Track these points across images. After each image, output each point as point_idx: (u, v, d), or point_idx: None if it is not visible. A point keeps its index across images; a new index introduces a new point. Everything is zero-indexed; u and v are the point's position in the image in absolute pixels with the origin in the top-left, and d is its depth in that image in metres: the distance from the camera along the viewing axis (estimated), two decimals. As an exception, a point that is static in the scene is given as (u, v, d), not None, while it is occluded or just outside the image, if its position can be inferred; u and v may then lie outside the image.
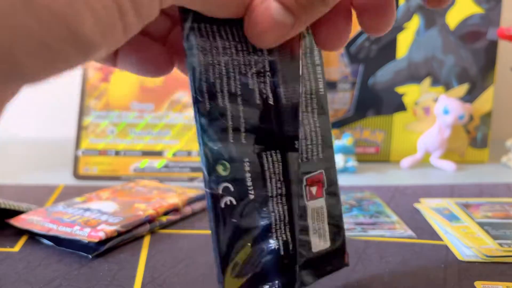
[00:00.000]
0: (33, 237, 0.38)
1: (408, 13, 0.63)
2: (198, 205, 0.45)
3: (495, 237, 0.38)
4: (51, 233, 0.36)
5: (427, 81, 0.64)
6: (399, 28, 0.63)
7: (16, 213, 0.40)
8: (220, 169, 0.23)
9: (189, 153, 0.59)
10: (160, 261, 0.35)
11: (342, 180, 0.56)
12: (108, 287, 0.31)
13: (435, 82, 0.64)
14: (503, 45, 0.69)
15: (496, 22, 0.63)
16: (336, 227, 0.28)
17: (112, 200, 0.43)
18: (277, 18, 0.21)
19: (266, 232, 0.24)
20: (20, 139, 0.79)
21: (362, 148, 0.66)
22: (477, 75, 0.64)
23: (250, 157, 0.24)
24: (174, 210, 0.42)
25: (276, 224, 0.25)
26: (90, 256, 0.35)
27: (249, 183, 0.24)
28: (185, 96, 0.60)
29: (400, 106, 0.65)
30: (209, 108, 0.23)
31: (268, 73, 0.24)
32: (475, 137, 0.66)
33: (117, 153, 0.59)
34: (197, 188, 0.49)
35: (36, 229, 0.37)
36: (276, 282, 0.25)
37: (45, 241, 0.37)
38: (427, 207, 0.45)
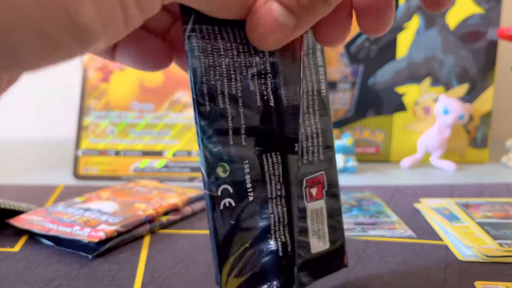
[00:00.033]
0: (33, 237, 0.38)
1: (408, 13, 0.63)
2: (198, 205, 0.45)
3: (495, 237, 0.38)
4: (51, 233, 0.36)
5: (427, 81, 0.64)
6: (399, 28, 0.63)
7: (16, 213, 0.40)
8: (219, 171, 0.23)
9: (189, 153, 0.59)
10: (160, 261, 0.35)
11: (342, 180, 0.56)
12: (108, 287, 0.31)
13: (435, 82, 0.64)
14: (503, 45, 0.69)
15: (496, 22, 0.63)
16: (335, 228, 0.28)
17: (112, 200, 0.43)
18: (279, 20, 0.21)
19: (265, 233, 0.24)
20: (20, 139, 0.79)
21: (362, 148, 0.66)
22: (477, 75, 0.64)
23: (250, 159, 0.24)
24: (174, 210, 0.42)
25: (275, 226, 0.25)
26: (90, 256, 0.35)
27: (249, 185, 0.24)
28: (185, 96, 0.60)
29: (400, 106, 0.65)
30: (210, 110, 0.23)
31: (269, 74, 0.24)
32: (475, 137, 0.66)
33: (117, 153, 0.59)
34: (197, 188, 0.49)
35: (36, 229, 0.37)
36: (274, 282, 0.25)
37: (45, 241, 0.37)
38: (427, 207, 0.45)
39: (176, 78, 0.61)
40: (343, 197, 0.48)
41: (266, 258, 0.25)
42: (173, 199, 0.43)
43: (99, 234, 0.35)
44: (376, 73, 0.64)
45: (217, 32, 0.23)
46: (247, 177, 0.24)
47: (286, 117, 0.25)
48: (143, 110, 0.60)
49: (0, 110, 0.82)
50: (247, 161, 0.24)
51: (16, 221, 0.39)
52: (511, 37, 0.58)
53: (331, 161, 0.27)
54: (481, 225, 0.40)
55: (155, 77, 0.61)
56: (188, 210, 0.43)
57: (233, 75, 0.23)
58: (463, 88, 0.64)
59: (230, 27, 0.23)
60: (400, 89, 0.65)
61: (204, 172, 0.23)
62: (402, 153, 0.65)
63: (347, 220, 0.42)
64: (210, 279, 0.32)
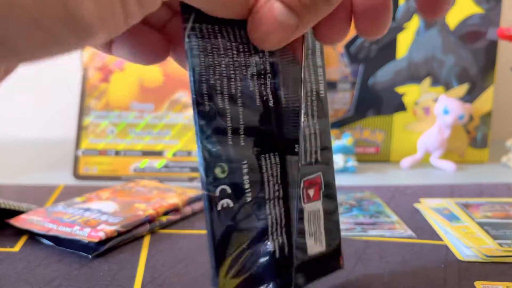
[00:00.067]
0: (33, 237, 0.38)
1: (408, 13, 0.63)
2: (198, 205, 0.45)
3: (495, 237, 0.38)
4: (51, 233, 0.36)
5: (427, 81, 0.64)
6: (399, 28, 0.63)
7: (16, 213, 0.40)
8: (218, 171, 0.23)
9: (189, 153, 0.59)
10: (160, 261, 0.35)
11: (342, 180, 0.56)
12: (108, 287, 0.31)
13: (435, 82, 0.64)
14: (503, 45, 0.69)
15: (496, 22, 0.63)
16: (332, 230, 0.28)
17: (112, 200, 0.43)
18: (280, 19, 0.21)
19: (263, 234, 0.24)
20: (20, 139, 0.79)
21: (362, 148, 0.66)
22: (477, 75, 0.64)
23: (248, 159, 0.24)
24: (174, 210, 0.42)
25: (272, 227, 0.25)
26: (90, 256, 0.35)
27: (247, 185, 0.24)
28: (185, 96, 0.60)
29: (400, 106, 0.65)
30: (209, 110, 0.23)
31: (269, 74, 0.24)
32: (475, 137, 0.66)
33: (117, 153, 0.59)
34: (197, 188, 0.49)
35: (36, 229, 0.37)
36: (271, 284, 0.25)
37: (45, 241, 0.37)
38: (427, 207, 0.45)
39: (176, 78, 0.61)
40: (343, 197, 0.48)
41: (263, 259, 0.24)
42: (173, 199, 0.43)
43: (99, 234, 0.35)
44: (376, 73, 0.64)
45: (217, 31, 0.23)
46: (245, 177, 0.24)
47: (285, 117, 0.25)
48: (143, 110, 0.60)
49: (0, 110, 0.82)
50: (245, 162, 0.24)
51: (16, 221, 0.39)
52: (511, 37, 0.58)
53: (328, 162, 0.27)
54: (481, 225, 0.40)
55: (155, 77, 0.61)
56: (188, 210, 0.43)
57: (232, 75, 0.23)
58: (463, 88, 0.64)
59: (230, 27, 0.23)
60: (400, 89, 0.65)
61: (202, 172, 0.23)
62: (402, 153, 0.65)
63: (347, 220, 0.42)
64: (210, 279, 0.32)
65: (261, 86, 0.24)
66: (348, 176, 0.59)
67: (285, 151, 0.25)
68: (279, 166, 0.25)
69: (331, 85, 0.64)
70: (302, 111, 0.25)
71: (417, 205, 0.46)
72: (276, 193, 0.25)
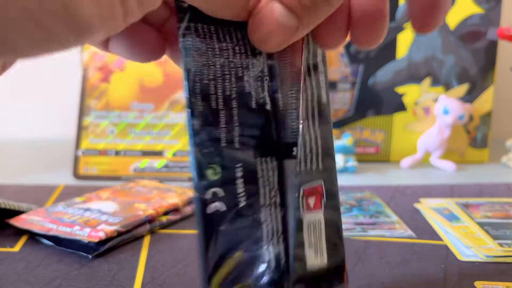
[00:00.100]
0: (33, 237, 0.38)
1: (408, 13, 0.63)
2: (198, 205, 0.44)
3: (495, 237, 0.38)
4: (51, 233, 0.36)
5: (427, 81, 0.64)
6: (399, 28, 0.63)
7: (16, 213, 0.40)
8: (210, 173, 0.22)
9: (189, 153, 0.59)
10: (160, 261, 0.35)
11: (342, 180, 0.56)
12: (108, 287, 0.31)
13: (435, 82, 0.64)
14: (503, 45, 0.69)
15: (496, 22, 0.63)
16: (335, 243, 0.26)
17: (112, 200, 0.43)
18: (281, 21, 0.21)
19: (257, 242, 0.23)
20: (20, 139, 0.79)
21: (362, 148, 0.66)
22: (477, 75, 0.64)
23: (243, 162, 0.23)
24: (174, 210, 0.42)
25: (268, 235, 0.23)
26: (90, 256, 0.35)
27: (241, 189, 0.23)
28: (185, 96, 0.60)
29: (400, 106, 0.65)
30: (202, 110, 0.22)
31: (266, 77, 0.23)
32: (475, 137, 0.66)
33: (117, 153, 0.59)
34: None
35: (36, 229, 0.37)
36: None
37: (45, 241, 0.37)
38: (427, 207, 0.45)
39: (176, 78, 0.61)
40: (343, 197, 0.48)
41: (257, 269, 0.23)
42: (173, 199, 0.43)
43: (99, 234, 0.35)
44: (376, 73, 0.64)
45: (213, 31, 0.22)
46: (239, 181, 0.23)
47: (283, 121, 0.24)
48: (143, 110, 0.60)
49: (0, 110, 0.82)
50: (239, 165, 0.23)
51: (16, 221, 0.39)
52: (511, 37, 0.58)
53: (331, 171, 0.26)
54: (481, 225, 0.40)
55: (155, 77, 0.61)
56: (188, 210, 0.43)
57: (227, 76, 0.23)
58: (463, 88, 0.64)
59: (227, 28, 0.23)
60: (400, 89, 0.65)
61: (193, 173, 0.22)
62: (402, 153, 0.65)
63: (347, 220, 0.42)
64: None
65: (258, 88, 0.23)
66: (348, 176, 0.59)
67: (282, 155, 0.24)
68: (276, 171, 0.24)
69: (331, 85, 0.64)
70: (300, 113, 0.24)
71: (417, 205, 0.46)
72: (273, 200, 0.24)
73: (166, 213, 0.41)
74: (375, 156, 0.66)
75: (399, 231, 0.40)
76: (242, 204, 0.23)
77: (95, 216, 0.39)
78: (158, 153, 0.59)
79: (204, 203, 0.22)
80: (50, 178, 0.56)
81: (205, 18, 0.22)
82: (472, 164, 0.65)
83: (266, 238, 0.23)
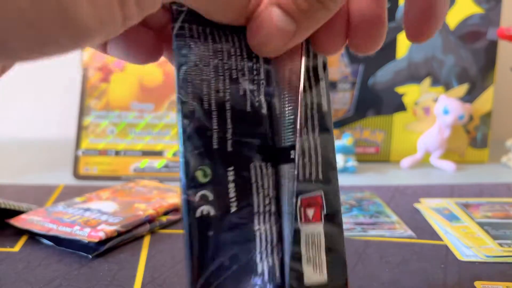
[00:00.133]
0: (33, 237, 0.38)
1: (408, 13, 0.63)
2: (198, 205, 0.44)
3: (495, 237, 0.38)
4: (51, 233, 0.36)
5: (427, 81, 0.64)
6: (399, 28, 0.63)
7: (16, 213, 0.40)
8: (199, 174, 0.21)
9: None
10: (160, 261, 0.35)
11: (342, 180, 0.56)
12: (108, 287, 0.31)
13: (435, 82, 0.64)
14: (503, 45, 0.69)
15: (496, 22, 0.63)
16: (337, 261, 0.24)
17: (112, 200, 0.43)
18: (279, 25, 0.21)
19: (249, 252, 0.22)
20: (20, 139, 0.79)
21: (362, 148, 0.66)
22: (477, 75, 0.64)
23: (235, 166, 0.22)
24: (174, 210, 0.42)
25: (261, 245, 0.22)
26: (90, 256, 0.35)
27: (232, 194, 0.22)
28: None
29: (400, 106, 0.65)
30: (193, 109, 0.21)
31: (262, 81, 0.23)
32: (475, 137, 0.66)
33: (117, 153, 0.59)
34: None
35: (36, 229, 0.37)
36: None
37: (45, 241, 0.37)
38: (427, 207, 0.45)
39: (176, 78, 0.61)
40: (343, 197, 0.48)
41: (249, 282, 0.22)
42: (173, 199, 0.43)
43: (99, 234, 0.35)
44: (376, 73, 0.64)
45: (208, 33, 0.22)
46: (231, 185, 0.22)
47: (279, 126, 0.23)
48: (143, 110, 0.60)
49: (0, 110, 0.82)
50: (232, 168, 0.22)
51: (16, 221, 0.39)
52: (511, 37, 0.58)
53: (333, 183, 0.24)
54: (481, 225, 0.40)
55: (155, 77, 0.61)
56: (188, 210, 0.43)
57: (221, 77, 0.22)
58: (463, 88, 0.64)
59: (223, 30, 0.22)
60: (400, 89, 0.65)
61: (182, 173, 0.21)
62: (402, 153, 0.65)
63: (347, 220, 0.42)
64: None
65: (254, 92, 0.23)
66: (348, 176, 0.59)
67: (278, 160, 0.23)
68: (271, 178, 0.23)
69: (331, 85, 0.65)
70: (299, 119, 0.23)
71: (417, 205, 0.46)
72: (267, 207, 0.22)
73: (166, 213, 0.41)
74: (375, 156, 0.66)
75: (399, 231, 0.40)
76: (233, 209, 0.22)
77: (95, 216, 0.39)
78: (158, 153, 0.59)
79: (191, 206, 0.21)
80: (50, 178, 0.56)
81: (200, 20, 0.22)
82: (472, 164, 0.65)
83: (259, 248, 0.22)
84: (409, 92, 0.65)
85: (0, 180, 0.55)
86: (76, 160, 0.58)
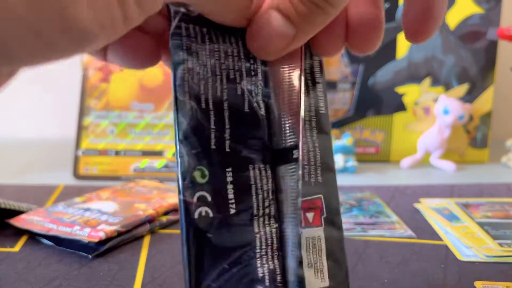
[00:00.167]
0: (33, 237, 0.38)
1: (408, 13, 0.63)
2: (198, 205, 0.44)
3: (495, 237, 0.38)
4: (51, 233, 0.36)
5: (427, 81, 0.64)
6: (399, 28, 0.63)
7: (16, 213, 0.40)
8: (197, 175, 0.21)
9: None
10: (160, 261, 0.35)
11: (342, 180, 0.56)
12: (108, 287, 0.31)
13: (435, 82, 0.64)
14: (503, 45, 0.69)
15: (496, 22, 0.63)
16: (338, 266, 0.24)
17: (112, 200, 0.43)
18: (278, 29, 0.21)
19: (248, 256, 0.21)
20: (20, 139, 0.79)
21: (362, 148, 0.66)
22: (477, 75, 0.64)
23: (233, 167, 0.21)
24: (174, 210, 0.42)
25: (261, 249, 0.22)
26: (90, 256, 0.35)
27: (231, 195, 0.21)
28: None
29: (400, 106, 0.65)
30: (190, 109, 0.21)
31: (260, 82, 0.23)
32: (475, 137, 0.66)
33: (117, 153, 0.59)
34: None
35: (36, 229, 0.37)
36: None
37: (45, 241, 0.37)
38: (427, 207, 0.45)
39: (176, 78, 0.61)
40: (343, 197, 0.48)
41: (249, 286, 0.21)
42: (173, 199, 0.43)
43: (99, 234, 0.35)
44: (376, 73, 0.64)
45: (205, 33, 0.22)
46: (230, 186, 0.21)
47: (277, 127, 0.23)
48: (143, 110, 0.60)
49: (0, 110, 0.82)
50: (230, 169, 0.21)
51: (16, 221, 0.39)
52: (511, 37, 0.58)
53: (332, 185, 0.24)
54: (481, 225, 0.40)
55: (155, 77, 0.61)
56: (188, 210, 0.43)
57: (218, 77, 0.22)
58: (463, 88, 0.64)
59: (220, 31, 0.22)
60: (400, 89, 0.65)
61: (179, 174, 0.21)
62: (402, 153, 0.65)
63: (347, 220, 0.42)
64: None
65: (251, 92, 0.23)
66: (348, 176, 0.59)
67: (276, 162, 0.23)
68: (270, 180, 0.22)
69: (331, 85, 0.65)
70: (301, 119, 0.23)
71: (417, 205, 0.46)
72: (267, 210, 0.22)
73: (166, 213, 0.41)
74: (375, 156, 0.66)
75: (399, 231, 0.40)
76: (232, 211, 0.21)
77: (95, 216, 0.39)
78: (158, 153, 0.59)
79: (189, 207, 0.21)
80: (50, 178, 0.56)
81: (197, 20, 0.22)
82: (472, 164, 0.65)
83: (259, 252, 0.22)
84: (409, 92, 0.65)
85: (0, 180, 0.55)
86: (76, 160, 0.58)
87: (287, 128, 0.23)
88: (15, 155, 0.71)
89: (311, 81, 0.24)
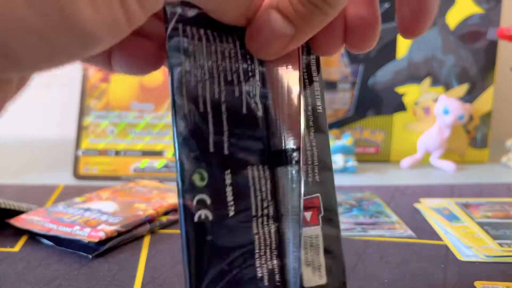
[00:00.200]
0: (33, 237, 0.38)
1: (408, 13, 0.63)
2: (198, 205, 0.44)
3: (495, 237, 0.38)
4: (51, 233, 0.36)
5: (427, 81, 0.64)
6: (399, 28, 0.63)
7: (16, 213, 0.40)
8: (196, 178, 0.21)
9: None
10: (160, 261, 0.35)
11: (342, 180, 0.56)
12: (108, 287, 0.31)
13: (435, 82, 0.64)
14: (503, 45, 0.69)
15: (496, 22, 0.63)
16: (335, 263, 0.24)
17: (112, 200, 0.43)
18: (277, 29, 0.21)
19: (248, 256, 0.22)
20: (20, 139, 0.79)
21: (362, 148, 0.66)
22: (477, 75, 0.64)
23: (232, 169, 0.22)
24: (174, 210, 0.42)
25: (260, 249, 0.22)
26: (90, 256, 0.35)
27: (230, 197, 0.21)
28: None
29: (400, 106, 0.65)
30: (188, 111, 0.21)
31: (258, 83, 0.23)
32: (475, 137, 0.66)
33: (117, 153, 0.59)
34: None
35: (36, 229, 0.37)
36: None
37: (45, 241, 0.37)
38: (427, 207, 0.45)
39: (176, 78, 0.61)
40: (343, 197, 0.48)
41: (248, 286, 0.22)
42: (173, 199, 0.43)
43: (99, 234, 0.35)
44: (376, 73, 0.64)
45: (202, 34, 0.22)
46: (228, 188, 0.21)
47: (275, 128, 0.23)
48: (143, 110, 0.60)
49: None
50: (229, 171, 0.22)
51: (16, 221, 0.39)
52: (511, 37, 0.58)
53: (329, 184, 0.24)
54: (481, 225, 0.40)
55: (155, 77, 0.61)
56: (188, 210, 0.43)
57: (216, 79, 0.22)
58: (463, 88, 0.64)
59: (217, 32, 0.22)
60: (400, 89, 0.65)
61: (178, 178, 0.21)
62: (402, 153, 0.65)
63: (347, 220, 0.42)
64: None
65: (249, 94, 0.23)
66: (348, 176, 0.59)
67: (275, 163, 0.23)
68: (268, 181, 0.22)
69: (331, 85, 0.65)
70: (302, 119, 0.23)
71: (417, 205, 0.46)
72: (265, 211, 0.22)
73: (166, 213, 0.41)
74: (375, 156, 0.66)
75: (399, 231, 0.40)
76: (231, 213, 0.21)
77: (95, 216, 0.39)
78: (158, 153, 0.59)
79: (189, 211, 0.21)
80: (50, 178, 0.56)
81: (194, 21, 0.22)
82: (472, 164, 0.65)
83: (258, 252, 0.22)
84: (409, 92, 0.65)
85: (0, 180, 0.55)
86: (76, 160, 0.58)
87: (285, 129, 0.23)
88: (15, 155, 0.71)
89: (308, 79, 0.25)
